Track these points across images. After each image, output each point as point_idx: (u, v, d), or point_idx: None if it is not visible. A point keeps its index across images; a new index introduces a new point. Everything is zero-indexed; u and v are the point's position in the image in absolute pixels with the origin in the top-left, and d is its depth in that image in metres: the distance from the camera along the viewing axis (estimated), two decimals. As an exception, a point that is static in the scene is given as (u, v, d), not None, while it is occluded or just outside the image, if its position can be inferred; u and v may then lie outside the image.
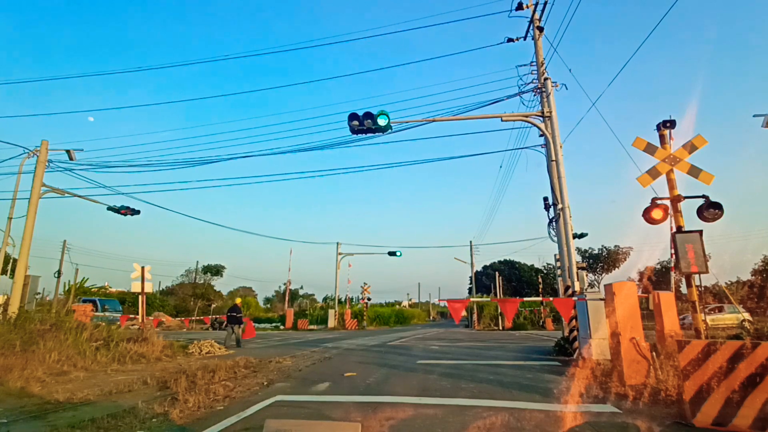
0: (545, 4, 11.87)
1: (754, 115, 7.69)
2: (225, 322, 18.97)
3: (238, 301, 19.48)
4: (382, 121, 10.69)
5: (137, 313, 16.47)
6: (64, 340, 8.95)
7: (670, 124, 7.09)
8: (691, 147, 6.90)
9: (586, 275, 12.58)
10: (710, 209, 6.56)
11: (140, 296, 13.52)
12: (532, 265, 52.81)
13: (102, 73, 70.55)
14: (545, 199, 11.75)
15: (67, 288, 27.02)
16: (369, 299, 37.40)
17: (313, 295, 65.69)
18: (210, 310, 39.06)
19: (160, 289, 48.81)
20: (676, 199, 6.83)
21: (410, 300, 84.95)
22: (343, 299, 38.71)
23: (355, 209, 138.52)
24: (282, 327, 34.98)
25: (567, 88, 11.96)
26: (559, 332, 15.18)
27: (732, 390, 3.87)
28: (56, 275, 33.39)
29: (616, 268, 44.17)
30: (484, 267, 53.79)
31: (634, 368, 5.90)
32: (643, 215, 6.89)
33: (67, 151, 13.79)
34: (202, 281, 49.07)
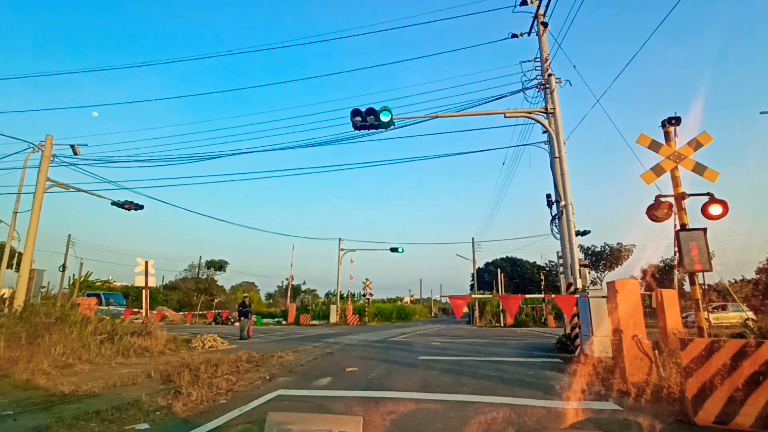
0: (550, -1, 11.75)
1: (761, 113, 7.64)
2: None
3: (243, 296, 20.08)
4: (384, 117, 10.65)
5: (141, 307, 16.59)
6: (69, 333, 9.02)
7: (675, 121, 7.04)
8: (696, 144, 6.84)
9: (589, 272, 12.55)
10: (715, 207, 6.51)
11: (144, 290, 13.58)
12: (535, 263, 52.74)
13: (105, 68, 70.53)
14: (548, 196, 11.70)
15: (71, 282, 27.24)
16: (371, 295, 37.51)
17: (316, 290, 65.75)
18: (213, 305, 39.24)
19: (164, 283, 49.08)
20: (680, 197, 6.79)
21: (412, 296, 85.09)
22: (345, 295, 38.82)
23: (358, 205, 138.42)
24: (284, 322, 35.14)
25: (571, 85, 11.86)
26: (561, 329, 15.18)
27: (735, 388, 3.87)
28: (61, 269, 33.65)
29: (619, 266, 44.02)
30: (486, 264, 53.82)
31: (636, 365, 5.89)
32: (646, 213, 6.86)
33: (72, 146, 13.86)
34: (205, 276, 49.27)
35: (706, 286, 7.33)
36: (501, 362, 8.94)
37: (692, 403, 4.04)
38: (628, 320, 6.16)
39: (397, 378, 6.96)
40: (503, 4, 13.11)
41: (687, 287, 6.96)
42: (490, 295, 33.08)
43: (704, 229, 6.37)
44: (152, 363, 8.58)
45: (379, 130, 11.19)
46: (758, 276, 30.32)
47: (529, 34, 12.70)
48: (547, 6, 11.94)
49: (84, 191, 14.45)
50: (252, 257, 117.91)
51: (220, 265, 51.42)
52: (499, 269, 42.30)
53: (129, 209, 14.80)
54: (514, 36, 12.97)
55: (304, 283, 65.77)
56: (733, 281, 30.51)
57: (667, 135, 7.10)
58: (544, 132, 11.54)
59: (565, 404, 4.97)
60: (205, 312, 33.82)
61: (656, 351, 5.86)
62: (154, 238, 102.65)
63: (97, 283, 33.96)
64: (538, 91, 11.97)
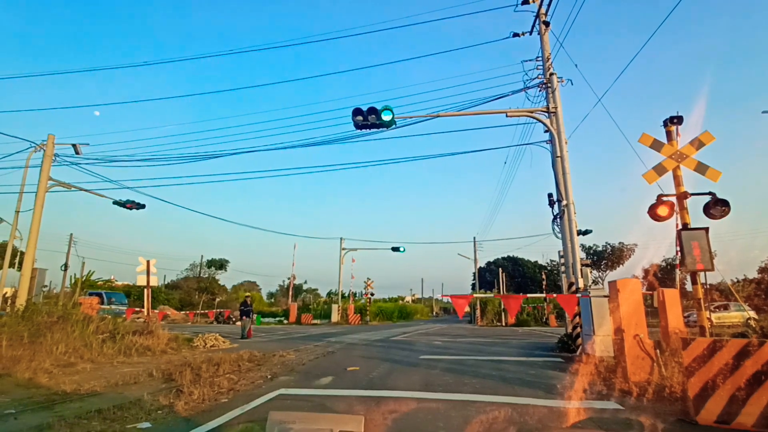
0: (552, -2, 11.71)
1: (763, 112, 7.61)
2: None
3: (244, 295, 20.03)
4: (386, 117, 10.64)
5: (143, 306, 16.66)
6: (71, 333, 9.04)
7: (677, 120, 7.02)
8: (698, 143, 6.82)
9: (590, 272, 12.53)
10: (717, 206, 6.50)
11: (145, 289, 13.60)
12: (536, 262, 52.80)
13: (106, 68, 70.67)
14: (550, 195, 11.68)
15: (73, 281, 27.30)
16: (372, 294, 37.56)
17: (317, 289, 65.87)
18: (214, 304, 39.32)
19: (165, 282, 49.21)
20: (682, 196, 6.77)
21: (413, 295, 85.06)
22: (346, 294, 38.86)
23: (359, 205, 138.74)
24: (285, 321, 35.16)
25: (573, 84, 11.84)
26: (563, 329, 15.16)
27: (737, 387, 3.86)
28: (63, 268, 33.81)
29: (621, 265, 43.95)
30: (488, 263, 53.80)
31: (637, 365, 5.89)
32: (648, 212, 6.84)
33: (73, 146, 13.89)
34: (206, 275, 49.39)
35: (708, 286, 7.32)
36: (502, 361, 8.93)
37: (694, 403, 4.04)
38: (629, 320, 6.16)
39: (398, 377, 6.96)
40: (505, 3, 13.08)
41: (689, 287, 6.94)
42: (492, 295, 33.07)
43: (706, 229, 6.35)
44: (154, 362, 8.60)
45: (381, 129, 11.19)
46: (760, 275, 30.22)
47: (530, 33, 12.66)
48: (548, 5, 11.92)
49: (86, 190, 14.48)
50: (253, 256, 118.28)
51: (221, 264, 51.53)
52: (500, 268, 42.30)
53: (130, 208, 14.84)
54: (515, 35, 12.94)
55: (305, 282, 65.92)
56: (735, 280, 30.38)
57: (669, 134, 7.08)
58: (546, 131, 11.51)
59: (566, 403, 4.96)
60: (206, 311, 33.86)
61: (658, 350, 5.85)
62: (155, 238, 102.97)
63: (99, 282, 34.02)
64: (540, 90, 11.95)
